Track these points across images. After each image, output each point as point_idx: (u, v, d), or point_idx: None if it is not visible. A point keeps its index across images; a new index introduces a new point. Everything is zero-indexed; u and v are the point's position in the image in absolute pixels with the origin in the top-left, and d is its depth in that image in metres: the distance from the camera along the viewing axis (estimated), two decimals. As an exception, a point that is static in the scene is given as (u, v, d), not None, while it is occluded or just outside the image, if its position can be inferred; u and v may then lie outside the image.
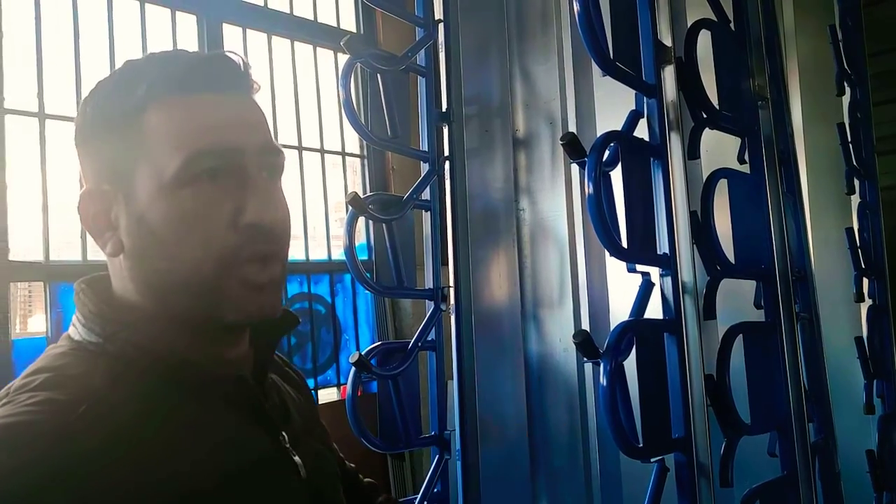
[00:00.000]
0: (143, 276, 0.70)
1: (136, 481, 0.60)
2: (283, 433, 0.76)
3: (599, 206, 1.37)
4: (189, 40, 3.01)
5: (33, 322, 2.85)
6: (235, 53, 0.75)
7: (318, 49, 3.62)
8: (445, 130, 2.18)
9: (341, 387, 3.49)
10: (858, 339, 2.28)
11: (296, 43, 3.50)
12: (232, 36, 3.20)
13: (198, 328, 0.71)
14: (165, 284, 0.69)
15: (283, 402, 0.81)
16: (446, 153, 2.16)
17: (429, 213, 2.15)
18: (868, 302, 2.35)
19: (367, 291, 3.57)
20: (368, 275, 2.06)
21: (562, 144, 1.43)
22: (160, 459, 0.62)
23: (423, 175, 2.13)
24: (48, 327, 2.62)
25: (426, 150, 2.14)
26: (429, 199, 2.14)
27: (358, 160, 3.77)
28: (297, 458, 0.76)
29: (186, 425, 0.67)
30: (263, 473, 0.71)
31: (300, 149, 3.45)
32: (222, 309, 0.69)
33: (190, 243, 0.67)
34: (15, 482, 0.55)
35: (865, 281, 2.34)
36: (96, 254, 2.66)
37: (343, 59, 3.68)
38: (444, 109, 2.18)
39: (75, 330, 0.72)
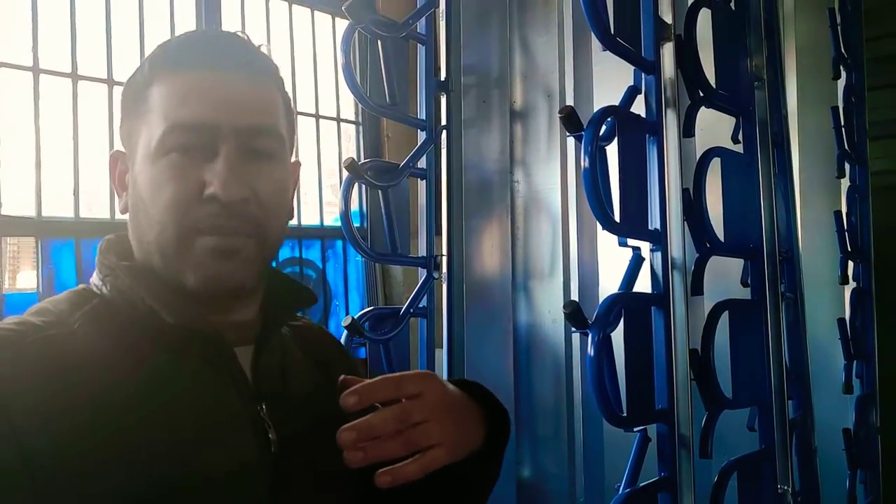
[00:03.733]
0: (133, 233, 0.77)
1: (72, 414, 0.63)
2: (264, 403, 0.75)
3: (594, 180, 1.38)
4: (187, 1, 2.98)
5: (21, 278, 2.84)
6: (244, 34, 0.78)
7: (316, 13, 3.59)
8: (443, 99, 2.18)
9: (330, 352, 3.51)
10: (840, 321, 2.32)
11: (294, 6, 3.47)
12: (230, -3, 3.16)
13: (171, 284, 0.74)
14: (145, 243, 0.75)
15: (282, 374, 0.80)
16: (443, 122, 2.17)
17: (424, 181, 2.16)
18: (852, 285, 2.39)
19: (357, 258, 3.58)
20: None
21: (559, 117, 1.44)
22: (104, 400, 0.65)
23: (419, 143, 2.13)
24: (39, 283, 2.62)
25: (424, 118, 2.14)
26: (425, 167, 2.15)
27: (352, 127, 3.75)
28: (270, 432, 0.74)
29: (144, 372, 0.69)
30: (218, 433, 0.71)
31: (295, 113, 3.44)
32: (185, 273, 0.73)
33: (159, 207, 0.72)
34: None
35: (851, 264, 2.38)
36: (89, 211, 2.66)
37: (341, 24, 3.65)
38: (442, 78, 2.18)
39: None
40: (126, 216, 0.79)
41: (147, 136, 0.73)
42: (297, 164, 0.85)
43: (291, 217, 0.83)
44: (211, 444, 0.70)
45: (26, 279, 2.76)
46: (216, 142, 0.72)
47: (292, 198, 0.84)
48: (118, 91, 2.77)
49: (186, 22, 2.98)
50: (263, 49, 0.80)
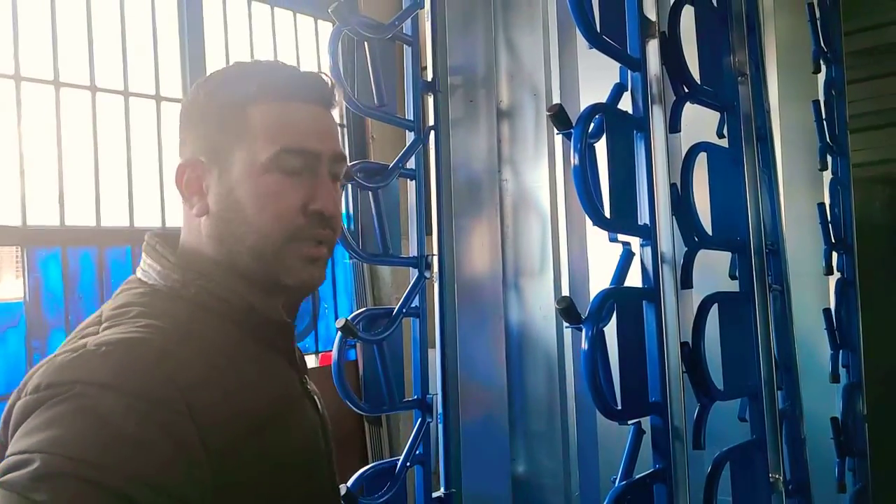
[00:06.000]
0: (219, 236, 0.87)
1: (218, 397, 0.77)
2: (305, 376, 0.96)
3: (584, 177, 1.40)
4: (168, 2, 2.97)
5: (3, 288, 2.81)
6: (326, 75, 0.92)
7: (299, 16, 3.59)
8: (430, 100, 2.19)
9: (320, 354, 3.51)
10: (826, 311, 2.34)
11: (276, 9, 3.47)
12: (212, 1, 3.16)
13: (256, 283, 0.87)
14: (239, 245, 0.86)
15: (300, 352, 1.00)
16: (431, 122, 2.18)
17: (413, 181, 2.17)
18: (836, 275, 2.42)
19: (345, 261, 3.59)
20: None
21: (548, 115, 1.45)
22: (235, 384, 0.80)
23: (408, 144, 2.14)
24: (25, 292, 2.60)
25: (412, 119, 2.15)
26: (414, 168, 2.16)
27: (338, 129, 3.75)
28: (317, 398, 0.96)
29: (250, 359, 0.85)
30: (301, 405, 0.92)
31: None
32: (281, 273, 0.86)
33: (266, 217, 0.84)
34: (138, 380, 0.72)
35: (834, 255, 2.41)
36: (74, 219, 2.64)
37: (323, 26, 3.66)
38: (429, 79, 2.19)
39: (147, 275, 0.88)
40: (198, 218, 0.89)
41: (248, 154, 0.84)
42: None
43: None
44: (296, 413, 0.89)
45: (7, 289, 2.74)
46: (317, 165, 0.87)
47: None
48: (100, 97, 2.76)
49: (168, 27, 2.97)
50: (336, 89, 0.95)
